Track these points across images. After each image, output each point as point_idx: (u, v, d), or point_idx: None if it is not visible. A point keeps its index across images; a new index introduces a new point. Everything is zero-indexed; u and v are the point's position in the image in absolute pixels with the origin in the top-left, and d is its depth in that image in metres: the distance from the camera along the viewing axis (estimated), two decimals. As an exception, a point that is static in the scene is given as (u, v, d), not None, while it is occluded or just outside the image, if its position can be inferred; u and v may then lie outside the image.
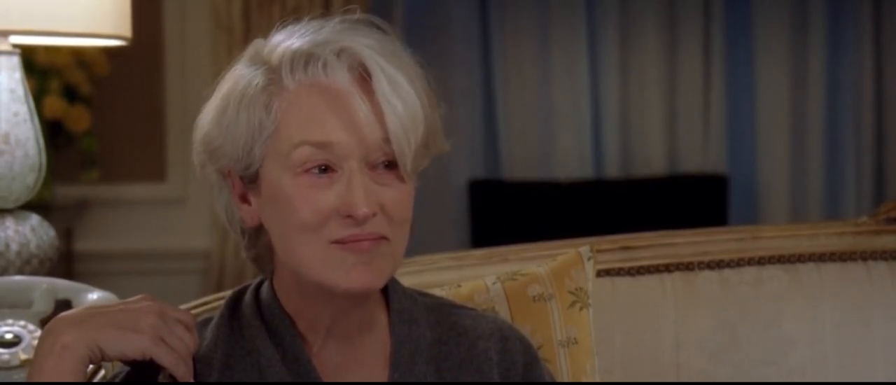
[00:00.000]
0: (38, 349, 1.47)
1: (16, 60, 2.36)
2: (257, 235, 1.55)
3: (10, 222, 2.35)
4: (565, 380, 1.80)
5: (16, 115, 2.34)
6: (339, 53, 1.47)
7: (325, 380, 1.53)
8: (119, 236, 4.72)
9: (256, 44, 1.54)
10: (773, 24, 5.18)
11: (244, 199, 1.53)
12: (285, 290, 1.55)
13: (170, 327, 1.48)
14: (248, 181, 1.51)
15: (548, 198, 5.05)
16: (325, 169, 1.46)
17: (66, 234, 4.50)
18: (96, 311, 1.49)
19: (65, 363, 1.45)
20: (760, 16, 5.18)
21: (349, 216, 1.45)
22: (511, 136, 5.16)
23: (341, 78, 1.46)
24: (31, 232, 2.35)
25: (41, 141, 2.37)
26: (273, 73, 1.48)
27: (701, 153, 5.20)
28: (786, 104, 5.19)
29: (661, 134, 5.20)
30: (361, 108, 1.45)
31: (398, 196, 1.48)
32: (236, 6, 4.59)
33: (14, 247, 2.32)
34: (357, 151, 1.45)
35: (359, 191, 1.45)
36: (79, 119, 4.34)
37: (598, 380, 1.84)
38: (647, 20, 5.18)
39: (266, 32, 1.56)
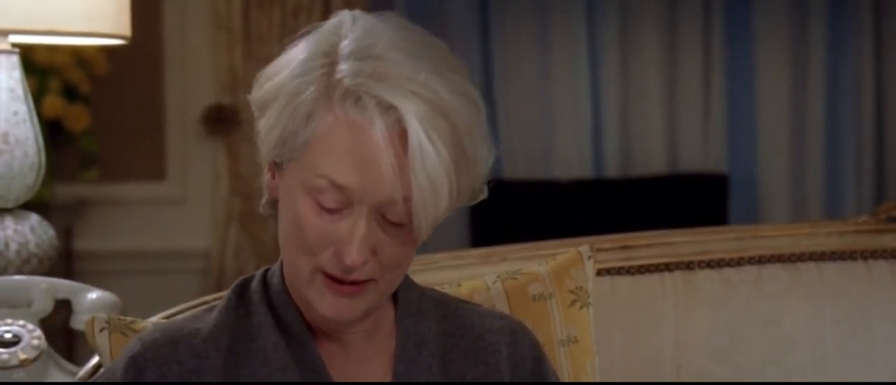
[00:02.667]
0: None
1: (15, 59, 2.36)
2: (277, 210, 1.53)
3: (9, 222, 2.34)
4: (565, 379, 1.80)
5: (15, 114, 2.34)
6: (387, 107, 1.43)
7: (330, 369, 1.53)
8: (119, 236, 4.71)
9: (332, 25, 1.50)
10: (773, 24, 5.18)
11: (273, 172, 1.52)
12: (289, 281, 1.54)
13: None
14: (277, 165, 1.50)
15: (548, 197, 5.05)
16: (337, 208, 1.44)
17: (66, 234, 4.50)
18: None
19: None
20: (760, 16, 5.18)
21: (339, 258, 1.44)
22: (511, 135, 5.16)
23: (379, 130, 1.42)
24: (30, 231, 2.35)
25: (40, 140, 2.37)
26: (327, 91, 1.45)
27: (701, 152, 5.20)
28: (786, 103, 5.19)
29: (661, 133, 5.20)
30: (391, 164, 1.41)
31: (400, 251, 1.47)
32: (236, 6, 4.59)
33: (13, 246, 2.32)
34: (373, 201, 1.43)
35: (356, 240, 1.43)
36: (78, 118, 4.34)
37: (598, 379, 1.84)
38: (647, 20, 5.18)
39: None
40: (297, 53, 1.49)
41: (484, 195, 1.53)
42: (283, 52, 1.51)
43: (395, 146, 1.42)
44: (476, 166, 1.49)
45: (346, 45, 1.47)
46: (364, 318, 1.51)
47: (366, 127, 1.42)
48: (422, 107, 1.42)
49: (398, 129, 1.42)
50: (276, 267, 1.57)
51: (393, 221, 1.44)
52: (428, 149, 1.41)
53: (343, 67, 1.45)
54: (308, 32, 1.51)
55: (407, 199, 1.42)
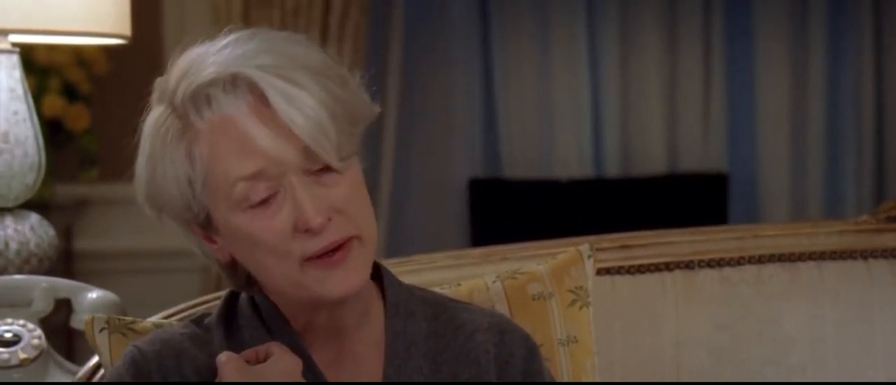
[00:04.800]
0: None
1: (15, 59, 2.36)
2: (233, 268, 1.56)
3: (9, 221, 2.34)
4: (565, 379, 1.80)
5: (15, 113, 2.34)
6: (234, 81, 1.46)
7: (323, 373, 1.53)
8: (119, 235, 4.71)
9: (159, 82, 1.53)
10: (773, 24, 5.17)
11: (209, 239, 1.53)
12: (276, 298, 1.55)
13: None
14: (205, 225, 1.51)
15: (548, 196, 5.04)
16: (268, 197, 1.46)
17: (66, 233, 4.50)
18: None
19: None
20: (760, 15, 5.18)
21: (307, 230, 1.45)
22: (511, 134, 5.16)
23: (239, 109, 1.45)
24: (30, 231, 2.35)
25: (40, 140, 2.37)
26: (182, 117, 1.48)
27: (701, 152, 5.19)
28: (786, 102, 5.19)
29: (661, 132, 5.20)
30: (264, 132, 1.44)
31: (347, 191, 1.48)
32: (236, 5, 4.59)
33: (13, 246, 2.32)
34: (286, 169, 1.45)
35: (306, 203, 1.45)
36: (78, 118, 4.34)
37: (598, 379, 1.84)
38: (647, 19, 5.17)
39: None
40: (147, 130, 1.53)
41: (376, 110, 1.53)
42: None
43: (261, 111, 1.44)
44: (345, 85, 1.49)
45: (173, 80, 1.50)
46: (365, 280, 1.51)
47: (227, 116, 1.45)
48: (263, 60, 1.45)
49: (253, 97, 1.45)
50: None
51: (318, 170, 1.46)
52: (281, 85, 1.44)
53: (180, 91, 1.48)
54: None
55: (307, 148, 1.44)
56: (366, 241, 1.50)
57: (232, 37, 1.49)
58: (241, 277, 1.57)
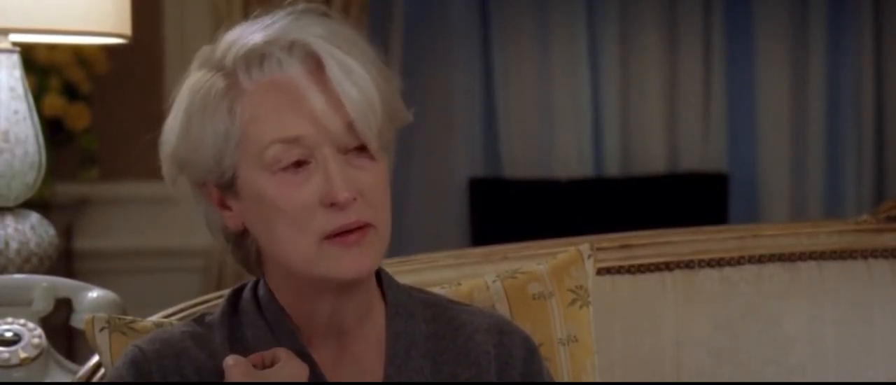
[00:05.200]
0: None
1: (15, 58, 2.36)
2: (242, 240, 1.56)
3: (9, 220, 2.34)
4: (565, 378, 1.80)
5: (15, 113, 2.34)
6: (291, 47, 1.48)
7: (325, 376, 1.53)
8: (119, 234, 4.71)
9: (204, 50, 1.54)
10: (773, 24, 5.18)
11: (224, 205, 1.53)
12: (279, 287, 1.55)
13: None
14: (226, 188, 1.51)
15: (548, 196, 5.05)
16: (300, 163, 1.47)
17: (66, 233, 4.50)
18: None
19: None
20: (760, 15, 5.18)
21: (332, 204, 1.46)
22: (511, 134, 5.16)
23: (295, 71, 1.47)
24: (30, 230, 2.35)
25: (41, 139, 2.37)
26: (230, 76, 1.49)
27: (701, 151, 5.20)
28: (786, 102, 5.19)
29: (661, 132, 5.20)
30: (319, 98, 1.46)
31: (373, 179, 1.49)
32: (236, 5, 4.59)
33: (14, 245, 2.32)
34: (326, 140, 1.47)
35: (337, 177, 1.46)
36: (79, 117, 4.34)
37: (598, 378, 1.84)
38: (647, 20, 5.18)
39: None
40: (185, 90, 1.52)
41: (410, 118, 1.56)
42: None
43: (315, 79, 1.46)
44: (390, 82, 1.52)
45: (224, 45, 1.51)
46: (375, 267, 1.53)
47: (282, 78, 1.47)
48: (322, 31, 1.48)
49: (308, 64, 1.47)
50: (262, 281, 1.58)
51: (353, 149, 1.47)
52: (342, 57, 1.47)
53: (232, 52, 1.49)
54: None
55: (351, 125, 1.46)
56: (380, 234, 1.51)
57: (286, 10, 1.51)
58: (247, 251, 1.56)
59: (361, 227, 1.48)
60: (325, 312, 1.54)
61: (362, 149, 1.49)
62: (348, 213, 1.47)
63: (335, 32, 1.49)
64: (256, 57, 1.48)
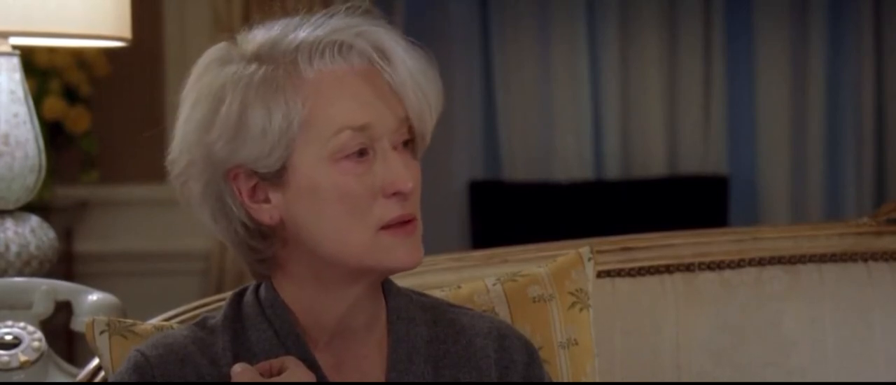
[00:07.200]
0: None
1: (16, 61, 2.36)
2: (266, 236, 1.52)
3: (9, 223, 2.35)
4: (566, 381, 1.80)
5: (16, 116, 2.34)
6: (356, 39, 1.49)
7: (326, 377, 1.53)
8: (119, 237, 4.71)
9: (220, 48, 1.54)
10: (773, 24, 5.18)
11: (258, 198, 1.50)
12: (295, 287, 1.53)
13: None
14: (270, 178, 1.49)
15: (548, 199, 5.05)
16: (362, 152, 1.48)
17: (66, 235, 4.50)
18: None
19: None
20: (761, 16, 5.18)
21: (395, 193, 1.48)
22: (511, 136, 5.17)
23: (363, 60, 1.49)
24: (30, 233, 2.35)
25: (41, 142, 2.37)
26: (287, 66, 1.48)
27: (701, 154, 5.20)
28: (786, 104, 5.19)
29: (661, 134, 5.20)
30: (384, 90, 1.49)
31: (418, 176, 1.52)
32: (236, 6, 4.59)
33: (14, 248, 2.32)
34: (386, 132, 1.49)
35: (401, 167, 1.48)
36: (79, 120, 4.34)
37: (598, 381, 1.84)
38: (647, 20, 5.18)
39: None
40: (204, 89, 1.52)
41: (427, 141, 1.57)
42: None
43: (375, 70, 1.49)
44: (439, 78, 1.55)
45: (250, 47, 1.52)
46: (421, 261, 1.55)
47: (347, 68, 1.48)
48: (377, 26, 1.51)
49: (368, 59, 1.49)
50: (264, 284, 1.57)
51: (401, 144, 1.50)
52: (406, 55, 1.50)
53: (279, 48, 1.50)
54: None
55: (406, 119, 1.49)
56: (419, 234, 1.53)
57: (334, 10, 1.52)
58: (265, 250, 1.53)
59: (413, 220, 1.50)
60: (338, 312, 1.53)
61: (407, 145, 1.51)
62: (405, 205, 1.48)
63: (397, 34, 1.52)
64: (321, 45, 1.48)
